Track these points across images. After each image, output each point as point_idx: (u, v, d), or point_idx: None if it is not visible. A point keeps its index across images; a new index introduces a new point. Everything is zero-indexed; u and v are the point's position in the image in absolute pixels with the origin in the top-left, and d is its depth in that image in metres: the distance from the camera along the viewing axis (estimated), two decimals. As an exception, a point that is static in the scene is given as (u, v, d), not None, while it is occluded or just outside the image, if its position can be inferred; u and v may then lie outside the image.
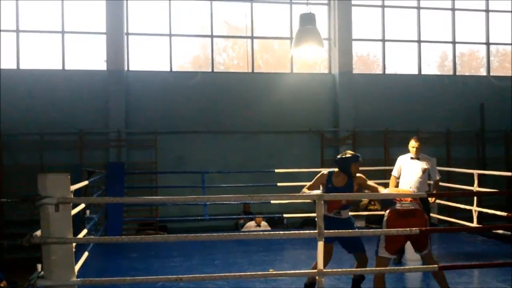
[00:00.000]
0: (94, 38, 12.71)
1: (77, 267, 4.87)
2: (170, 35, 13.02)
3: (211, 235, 4.51)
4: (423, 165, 7.03)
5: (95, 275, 5.72)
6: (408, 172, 7.01)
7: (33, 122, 11.90)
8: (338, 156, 5.55)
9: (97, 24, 12.61)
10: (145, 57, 13.03)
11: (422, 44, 14.34)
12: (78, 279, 3.85)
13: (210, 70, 13.29)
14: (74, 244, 4.06)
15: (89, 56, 12.72)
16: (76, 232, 4.70)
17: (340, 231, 5.05)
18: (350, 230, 5.08)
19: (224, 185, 10.14)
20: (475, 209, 8.61)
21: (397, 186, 7.07)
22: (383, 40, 14.11)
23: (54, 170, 5.41)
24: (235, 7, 13.55)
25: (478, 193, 9.46)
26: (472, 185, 8.77)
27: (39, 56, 12.46)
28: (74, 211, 4.37)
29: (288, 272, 4.93)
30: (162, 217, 11.57)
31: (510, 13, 14.85)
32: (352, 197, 5.39)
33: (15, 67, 12.23)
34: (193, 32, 13.39)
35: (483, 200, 11.37)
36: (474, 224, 8.60)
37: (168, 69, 13.04)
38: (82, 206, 6.33)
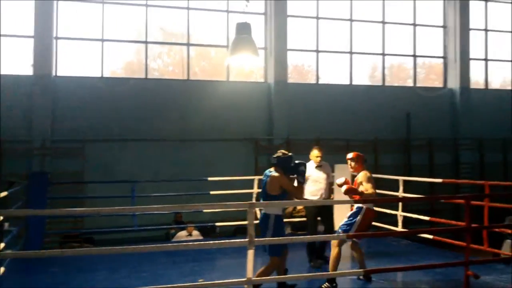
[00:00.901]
0: (21, 41, 12.21)
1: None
2: (102, 40, 12.76)
3: (137, 247, 4.45)
4: (327, 171, 7.52)
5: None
6: (317, 179, 7.42)
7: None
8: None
9: (25, 27, 12.12)
10: (75, 62, 12.65)
11: (353, 55, 14.84)
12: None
13: (143, 76, 13.13)
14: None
15: (15, 60, 12.17)
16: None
17: (269, 238, 5.20)
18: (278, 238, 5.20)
19: (156, 194, 10.00)
20: (400, 213, 9.01)
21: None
22: (317, 51, 14.50)
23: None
24: (171, 14, 13.48)
25: (403, 199, 9.89)
26: (398, 191, 9.17)
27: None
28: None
29: (216, 282, 4.95)
30: (88, 229, 11.20)
31: (435, 27, 15.66)
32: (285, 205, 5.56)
33: None
34: (127, 37, 13.20)
35: (408, 205, 11.87)
36: (399, 228, 8.99)
37: (99, 75, 12.75)
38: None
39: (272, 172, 5.68)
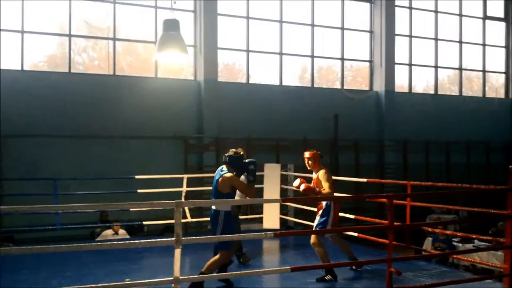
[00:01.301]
0: None
1: None
2: (22, 31, 12.09)
3: (59, 246, 4.23)
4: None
5: None
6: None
7: None
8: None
9: None
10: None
11: (283, 56, 14.99)
12: None
13: (67, 70, 12.59)
14: None
15: None
16: None
17: (201, 237, 5.11)
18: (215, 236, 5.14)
19: (80, 192, 9.64)
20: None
21: None
22: (247, 51, 14.51)
23: None
24: (97, 7, 13.00)
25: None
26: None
27: None
28: None
29: (143, 281, 4.82)
30: (8, 227, 10.67)
31: (363, 32, 16.13)
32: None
33: None
34: (50, 30, 12.59)
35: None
36: (326, 227, 9.14)
37: (19, 68, 12.09)
38: None
39: (224, 171, 5.96)
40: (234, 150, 6.18)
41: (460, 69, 17.80)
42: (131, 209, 9.45)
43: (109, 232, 9.91)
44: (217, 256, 5.88)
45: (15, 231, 10.56)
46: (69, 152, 12.06)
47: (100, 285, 4.55)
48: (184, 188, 9.70)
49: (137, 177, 9.83)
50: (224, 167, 6.05)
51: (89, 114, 12.34)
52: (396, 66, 16.13)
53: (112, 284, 4.66)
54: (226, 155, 6.09)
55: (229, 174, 5.91)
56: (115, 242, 5.12)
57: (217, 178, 6.00)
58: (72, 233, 10.45)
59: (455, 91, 17.87)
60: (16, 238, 10.79)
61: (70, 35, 12.65)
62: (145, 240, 4.71)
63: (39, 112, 11.88)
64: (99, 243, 5.57)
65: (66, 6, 12.49)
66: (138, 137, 12.74)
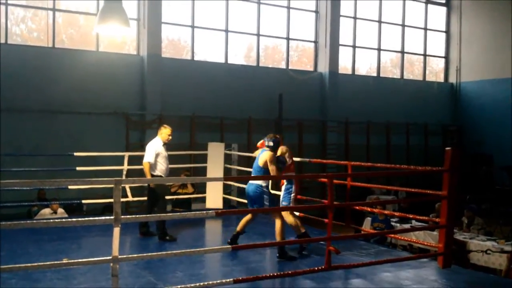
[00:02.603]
0: None
1: None
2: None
3: (-10, 224, 4.04)
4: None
5: None
6: (167, 157, 7.85)
7: None
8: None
9: None
10: None
11: (229, 34, 14.82)
12: None
13: (3, 41, 11.95)
14: None
15: None
16: None
17: (141, 216, 5.00)
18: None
19: (16, 169, 9.24)
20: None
21: None
22: (192, 27, 14.26)
23: None
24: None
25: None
26: (268, 170, 9.36)
27: None
28: None
29: (81, 260, 4.69)
30: None
31: (308, 12, 16.16)
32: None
33: None
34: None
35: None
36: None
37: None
38: None
39: (266, 150, 6.87)
40: (273, 134, 7.09)
41: (402, 52, 18.24)
42: (69, 187, 9.18)
43: (47, 211, 9.60)
44: (277, 222, 6.66)
45: None
46: (3, 127, 11.47)
47: (36, 264, 4.39)
48: (125, 167, 9.50)
49: (76, 154, 9.51)
50: (266, 148, 6.91)
51: (26, 87, 11.80)
52: (340, 47, 16.31)
53: (47, 263, 4.50)
54: (268, 139, 6.95)
55: (270, 153, 6.79)
56: (51, 221, 4.93)
57: (260, 155, 6.89)
58: (8, 211, 10.03)
59: (397, 74, 18.33)
60: None
61: (6, 4, 12.00)
62: (83, 219, 4.56)
63: None
64: (34, 221, 5.37)
65: (1, -28, 11.83)
66: (78, 113, 12.30)
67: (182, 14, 14.18)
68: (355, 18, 16.95)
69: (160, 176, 7.63)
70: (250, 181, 6.94)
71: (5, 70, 11.53)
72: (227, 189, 10.94)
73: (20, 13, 12.67)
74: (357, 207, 8.56)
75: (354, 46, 17.03)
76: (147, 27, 13.12)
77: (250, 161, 11.86)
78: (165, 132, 7.76)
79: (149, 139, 8.39)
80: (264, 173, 6.81)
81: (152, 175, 7.59)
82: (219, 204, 10.34)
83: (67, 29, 13.40)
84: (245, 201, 9.88)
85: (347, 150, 16.19)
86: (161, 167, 7.69)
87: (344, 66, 16.98)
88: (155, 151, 7.63)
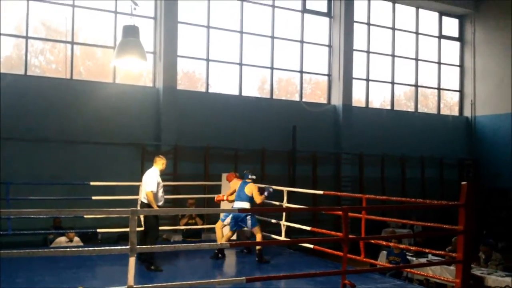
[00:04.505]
0: None
1: None
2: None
3: (10, 252, 4.09)
4: None
5: None
6: (162, 187, 8.13)
7: None
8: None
9: None
10: None
11: (243, 67, 15.03)
12: None
13: (23, 72, 12.24)
14: None
15: None
16: None
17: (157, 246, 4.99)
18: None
19: (33, 197, 9.34)
20: (283, 223, 9.21)
21: None
22: (207, 60, 14.49)
23: None
24: (56, 10, 12.72)
25: (287, 209, 10.13)
26: (282, 201, 9.38)
27: None
28: None
29: (96, 289, 4.71)
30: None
31: (322, 46, 16.37)
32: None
33: None
34: (5, 30, 12.19)
35: (292, 215, 12.21)
36: (283, 237, 9.19)
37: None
38: None
39: (249, 181, 8.67)
40: (251, 170, 8.89)
41: (416, 86, 18.31)
42: (85, 216, 9.24)
43: (62, 239, 9.64)
44: (258, 235, 8.41)
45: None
46: (21, 155, 11.66)
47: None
48: (140, 196, 9.54)
49: (92, 183, 9.62)
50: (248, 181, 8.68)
51: (44, 118, 12.01)
52: (354, 80, 16.43)
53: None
54: (250, 173, 8.80)
55: (256, 185, 8.70)
56: (68, 249, 4.97)
57: (244, 185, 8.59)
58: (24, 239, 10.11)
59: (411, 107, 18.35)
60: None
61: (27, 37, 12.33)
62: (99, 248, 4.59)
63: None
64: (52, 250, 5.42)
65: (23, 7, 12.20)
66: (94, 143, 12.46)
67: (197, 47, 14.43)
68: (368, 52, 17.11)
69: (159, 205, 7.80)
70: (239, 206, 8.47)
71: (24, 100, 11.82)
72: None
73: (39, 45, 12.98)
74: (372, 241, 8.48)
75: (367, 80, 17.13)
76: (163, 60, 13.37)
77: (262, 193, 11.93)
78: (162, 162, 8.12)
79: (165, 170, 8.48)
80: (251, 200, 8.56)
81: (148, 205, 7.70)
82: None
83: (85, 61, 13.69)
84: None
85: (361, 182, 16.12)
86: (161, 197, 7.92)
87: (358, 99, 17.06)
88: (156, 180, 7.86)
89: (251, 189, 8.54)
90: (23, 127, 11.73)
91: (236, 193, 8.72)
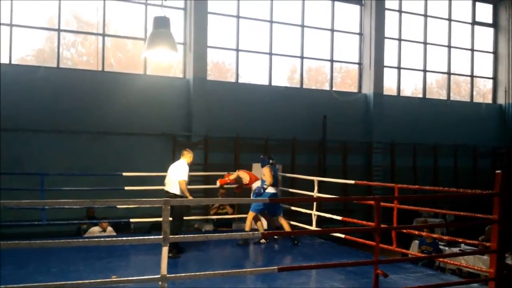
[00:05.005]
0: None
1: None
2: (11, 25, 11.98)
3: (45, 241, 4.19)
4: None
5: None
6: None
7: None
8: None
9: None
10: None
11: (273, 56, 14.97)
12: None
13: (55, 65, 12.48)
14: None
15: None
16: None
17: (188, 235, 5.04)
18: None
19: (67, 188, 9.54)
20: (314, 213, 9.18)
21: None
22: (237, 50, 14.48)
23: None
24: (87, 2, 12.88)
25: (317, 199, 10.10)
26: (313, 191, 9.34)
27: None
28: None
29: (130, 278, 4.77)
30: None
31: (352, 34, 16.17)
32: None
33: None
34: (38, 23, 12.46)
35: (322, 205, 12.16)
36: (314, 227, 9.17)
37: (7, 61, 11.96)
38: None
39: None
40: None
41: (449, 73, 17.94)
42: (118, 206, 9.39)
43: (96, 229, 9.83)
44: (283, 221, 8.97)
45: (1, 225, 10.46)
46: (55, 147, 11.94)
47: (87, 281, 4.50)
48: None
49: (124, 174, 9.77)
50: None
51: (77, 110, 12.24)
52: (385, 69, 16.20)
53: (98, 280, 4.61)
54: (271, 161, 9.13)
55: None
56: (102, 239, 5.06)
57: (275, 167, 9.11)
58: (58, 229, 10.37)
59: (443, 95, 18.01)
60: (1, 233, 10.68)
61: (59, 30, 12.54)
62: (133, 238, 4.65)
63: (26, 106, 11.78)
64: (86, 240, 5.53)
65: (55, 0, 12.38)
66: (126, 134, 12.65)
67: (227, 38, 14.43)
68: (399, 39, 16.83)
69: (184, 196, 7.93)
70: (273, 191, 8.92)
71: (57, 93, 12.03)
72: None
73: (71, 38, 13.19)
74: (404, 230, 8.39)
75: (399, 68, 16.87)
76: (193, 51, 13.42)
77: (294, 182, 11.93)
78: (189, 156, 8.30)
79: (195, 160, 8.56)
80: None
81: (178, 195, 7.85)
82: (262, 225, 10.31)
83: (116, 53, 13.85)
84: (291, 222, 9.97)
85: (393, 172, 15.94)
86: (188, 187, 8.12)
87: (389, 87, 16.82)
88: (188, 170, 8.05)
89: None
90: (56, 119, 11.98)
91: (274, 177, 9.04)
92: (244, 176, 9.46)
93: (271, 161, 9.10)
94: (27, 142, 11.72)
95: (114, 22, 13.37)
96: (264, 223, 9.57)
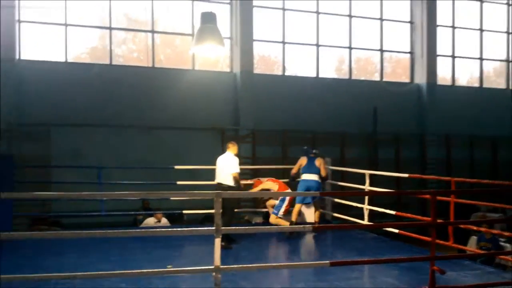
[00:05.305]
0: None
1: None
2: (66, 24, 12.42)
3: (106, 231, 4.30)
4: None
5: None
6: None
7: None
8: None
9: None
10: (39, 47, 12.34)
11: (320, 48, 14.78)
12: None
13: (108, 62, 12.80)
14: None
15: None
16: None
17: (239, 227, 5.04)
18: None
19: (123, 181, 9.79)
20: (366, 207, 8.99)
21: None
22: (283, 42, 14.37)
23: None
24: (136, 1, 13.14)
25: (369, 193, 9.90)
26: (364, 184, 9.15)
27: None
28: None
29: (185, 268, 4.84)
30: (56, 212, 11.02)
31: (403, 23, 15.76)
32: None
33: None
34: (91, 23, 12.82)
35: (374, 199, 11.91)
36: (365, 221, 8.98)
37: (63, 60, 12.43)
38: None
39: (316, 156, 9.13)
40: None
41: (508, 61, 17.19)
42: (171, 198, 9.58)
43: (151, 220, 10.08)
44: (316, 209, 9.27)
45: (63, 216, 10.91)
46: (111, 141, 12.32)
47: (145, 270, 4.59)
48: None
49: (176, 167, 9.94)
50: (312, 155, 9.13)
51: (130, 105, 12.57)
52: (438, 57, 15.70)
53: (155, 270, 4.71)
54: (315, 151, 9.23)
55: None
56: (159, 229, 5.17)
57: (313, 159, 9.02)
58: (116, 219, 10.67)
59: (502, 84, 17.26)
60: (63, 223, 11.12)
61: (110, 28, 12.86)
62: (188, 228, 4.70)
63: (82, 101, 12.21)
64: (144, 230, 5.66)
65: (107, 0, 12.75)
66: (177, 128, 12.83)
67: (273, 30, 14.35)
68: (453, 27, 16.27)
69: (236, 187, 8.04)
70: (311, 178, 8.92)
71: (111, 89, 12.35)
72: (321, 204, 10.78)
73: (122, 35, 13.46)
74: (461, 226, 8.09)
75: (453, 56, 16.32)
76: (240, 45, 13.43)
77: (344, 176, 11.74)
78: (235, 148, 8.38)
79: (243, 153, 8.60)
80: (319, 172, 9.01)
81: (232, 187, 7.94)
82: (312, 219, 10.21)
83: (165, 49, 14.02)
84: (341, 215, 9.84)
85: (448, 165, 15.45)
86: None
87: (443, 76, 16.29)
88: (237, 162, 8.16)
89: (320, 162, 9.05)
90: (111, 115, 12.32)
91: (305, 166, 9.07)
92: (272, 186, 9.63)
93: (313, 151, 9.23)
94: (86, 136, 12.16)
95: (162, 19, 13.55)
96: (309, 214, 9.60)
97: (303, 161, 9.15)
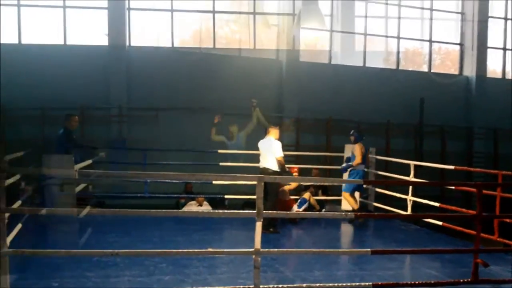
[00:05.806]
0: (96, 13, 12.66)
1: (10, 238, 4.69)
2: (172, 10, 12.95)
3: (148, 211, 4.42)
4: None
5: (29, 247, 5.51)
6: None
7: (34, 97, 11.60)
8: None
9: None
10: (146, 33, 13.14)
11: (367, 37, 14.58)
12: (10, 249, 3.70)
13: (211, 45, 13.27)
14: (6, 215, 3.90)
15: (90, 31, 12.71)
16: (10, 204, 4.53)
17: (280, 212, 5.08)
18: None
19: (166, 162, 10.00)
20: (410, 198, 8.90)
21: None
22: (331, 31, 14.26)
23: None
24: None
25: (413, 183, 9.78)
26: (409, 176, 9.05)
27: (41, 31, 12.39)
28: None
29: (225, 250, 4.94)
30: (99, 193, 11.33)
31: (453, 13, 15.36)
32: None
33: (16, 41, 12.15)
34: (194, 6, 13.29)
35: (418, 190, 11.76)
36: (408, 212, 8.90)
37: (170, 45, 12.99)
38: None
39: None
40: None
41: (561, 54, 16.52)
42: (213, 182, 9.71)
43: (193, 203, 10.24)
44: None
45: (106, 196, 11.19)
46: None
47: (185, 250, 4.70)
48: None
49: (219, 151, 10.07)
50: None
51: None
52: (488, 50, 15.24)
53: (195, 250, 4.81)
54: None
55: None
56: (201, 211, 5.29)
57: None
58: (159, 202, 10.86)
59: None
60: (107, 204, 11.43)
61: (214, 11, 13.29)
62: (229, 211, 4.80)
63: (187, 86, 12.70)
64: (186, 211, 5.82)
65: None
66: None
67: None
68: (505, 18, 15.73)
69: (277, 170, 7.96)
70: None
71: (214, 72, 12.77)
72: (364, 193, 10.73)
73: (225, 17, 13.88)
74: (507, 220, 7.91)
75: (504, 49, 15.80)
76: (286, 32, 13.40)
77: (388, 166, 11.61)
78: (276, 132, 8.27)
79: (286, 141, 8.61)
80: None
81: (277, 172, 7.90)
82: (348, 207, 10.18)
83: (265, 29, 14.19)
84: (383, 206, 9.77)
85: (495, 159, 15.03)
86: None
87: (493, 69, 15.82)
88: (280, 147, 8.07)
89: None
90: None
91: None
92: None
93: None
94: (189, 120, 12.51)
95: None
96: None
97: (361, 148, 9.20)
